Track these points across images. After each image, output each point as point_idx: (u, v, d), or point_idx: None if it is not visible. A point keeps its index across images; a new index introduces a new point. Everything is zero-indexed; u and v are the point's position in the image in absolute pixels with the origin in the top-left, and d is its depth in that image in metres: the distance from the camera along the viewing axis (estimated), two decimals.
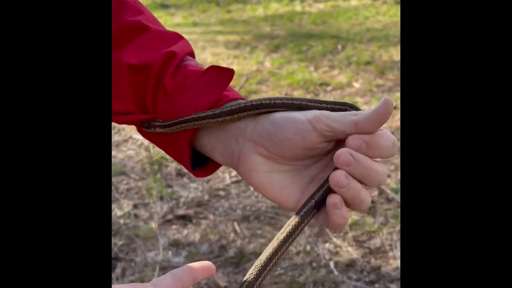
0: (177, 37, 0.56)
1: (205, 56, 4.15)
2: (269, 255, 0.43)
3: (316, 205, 0.44)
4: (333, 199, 0.42)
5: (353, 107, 0.46)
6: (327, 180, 0.43)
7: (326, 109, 0.46)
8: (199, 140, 0.53)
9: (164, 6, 6.40)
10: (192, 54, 0.56)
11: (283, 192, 0.47)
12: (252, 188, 2.25)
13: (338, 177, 0.41)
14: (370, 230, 2.01)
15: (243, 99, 0.53)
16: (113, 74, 0.52)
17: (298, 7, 5.97)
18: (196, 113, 0.50)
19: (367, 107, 3.04)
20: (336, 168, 0.42)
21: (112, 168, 2.42)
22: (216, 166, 0.55)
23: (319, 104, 0.47)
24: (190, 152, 0.53)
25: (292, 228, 0.43)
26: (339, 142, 0.45)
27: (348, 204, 0.43)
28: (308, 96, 3.34)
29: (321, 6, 5.97)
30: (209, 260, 0.55)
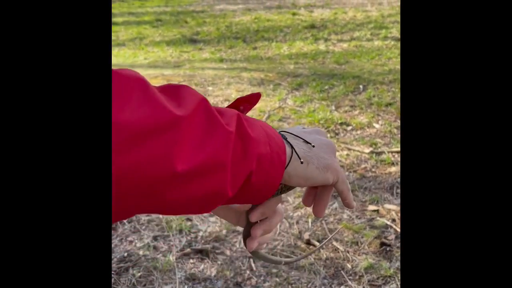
0: None
1: (230, 92, 4.27)
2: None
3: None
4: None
5: None
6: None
7: None
8: None
9: (193, 41, 6.63)
10: None
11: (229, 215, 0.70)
12: None
13: (252, 245, 0.65)
14: (386, 274, 2.00)
15: None
16: None
17: (322, 46, 6.10)
18: None
19: (387, 148, 3.07)
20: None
21: None
22: None
23: None
24: None
25: None
26: None
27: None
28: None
29: (344, 45, 6.09)
30: None
